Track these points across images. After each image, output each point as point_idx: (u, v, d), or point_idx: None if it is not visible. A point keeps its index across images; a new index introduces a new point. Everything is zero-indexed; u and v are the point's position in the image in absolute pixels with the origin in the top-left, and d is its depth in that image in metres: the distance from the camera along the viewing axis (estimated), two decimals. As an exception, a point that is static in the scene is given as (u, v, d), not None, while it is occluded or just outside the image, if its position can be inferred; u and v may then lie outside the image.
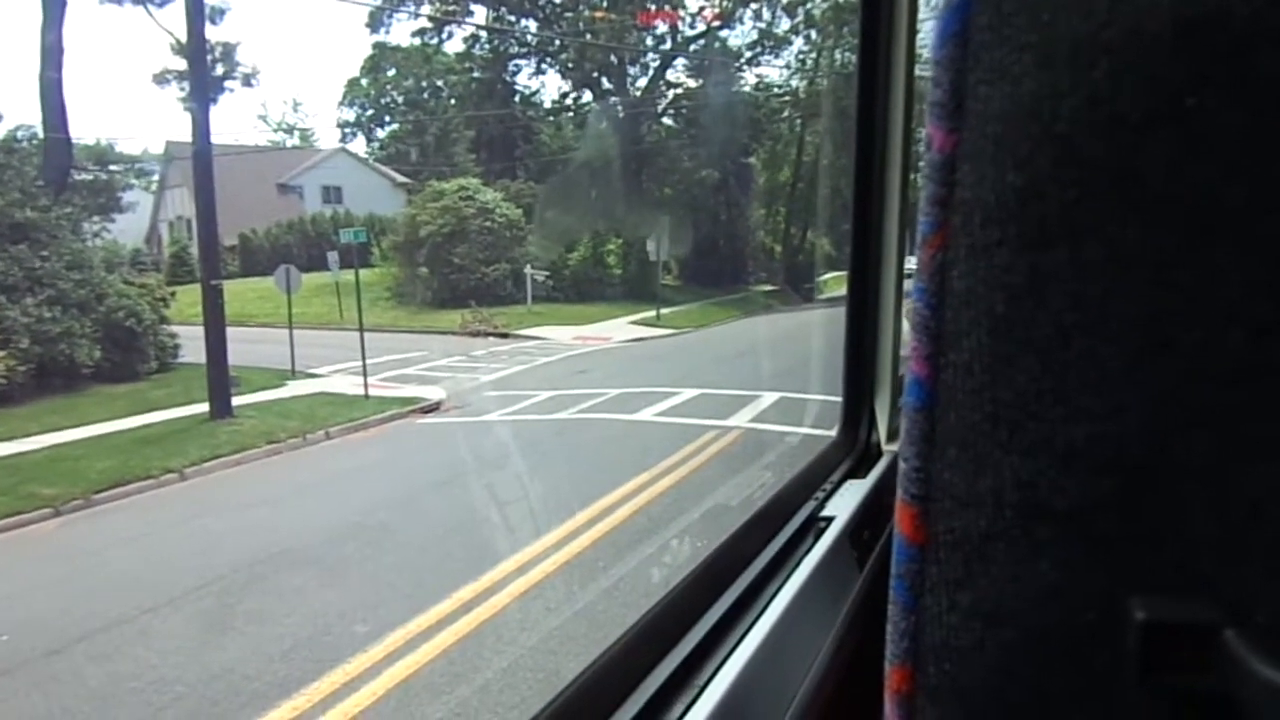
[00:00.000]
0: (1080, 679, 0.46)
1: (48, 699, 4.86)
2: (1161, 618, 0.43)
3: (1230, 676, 0.40)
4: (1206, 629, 0.41)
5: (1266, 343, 0.40)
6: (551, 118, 28.17)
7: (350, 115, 29.16)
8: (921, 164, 0.47)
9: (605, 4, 24.88)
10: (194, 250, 18.01)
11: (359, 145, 29.17)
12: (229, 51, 20.66)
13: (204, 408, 11.18)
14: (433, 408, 12.24)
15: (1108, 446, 0.43)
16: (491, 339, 17.92)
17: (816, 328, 17.07)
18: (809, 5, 25.26)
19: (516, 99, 27.48)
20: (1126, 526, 0.43)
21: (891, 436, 1.85)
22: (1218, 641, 0.41)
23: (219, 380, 11.38)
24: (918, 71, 1.75)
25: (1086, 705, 0.46)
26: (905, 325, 1.82)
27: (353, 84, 28.56)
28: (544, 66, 27.36)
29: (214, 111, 27.37)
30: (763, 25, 25.79)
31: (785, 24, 25.67)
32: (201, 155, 12.33)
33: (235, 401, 11.41)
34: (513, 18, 26.51)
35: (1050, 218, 0.43)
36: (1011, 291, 0.44)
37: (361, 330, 13.78)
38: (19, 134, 14.64)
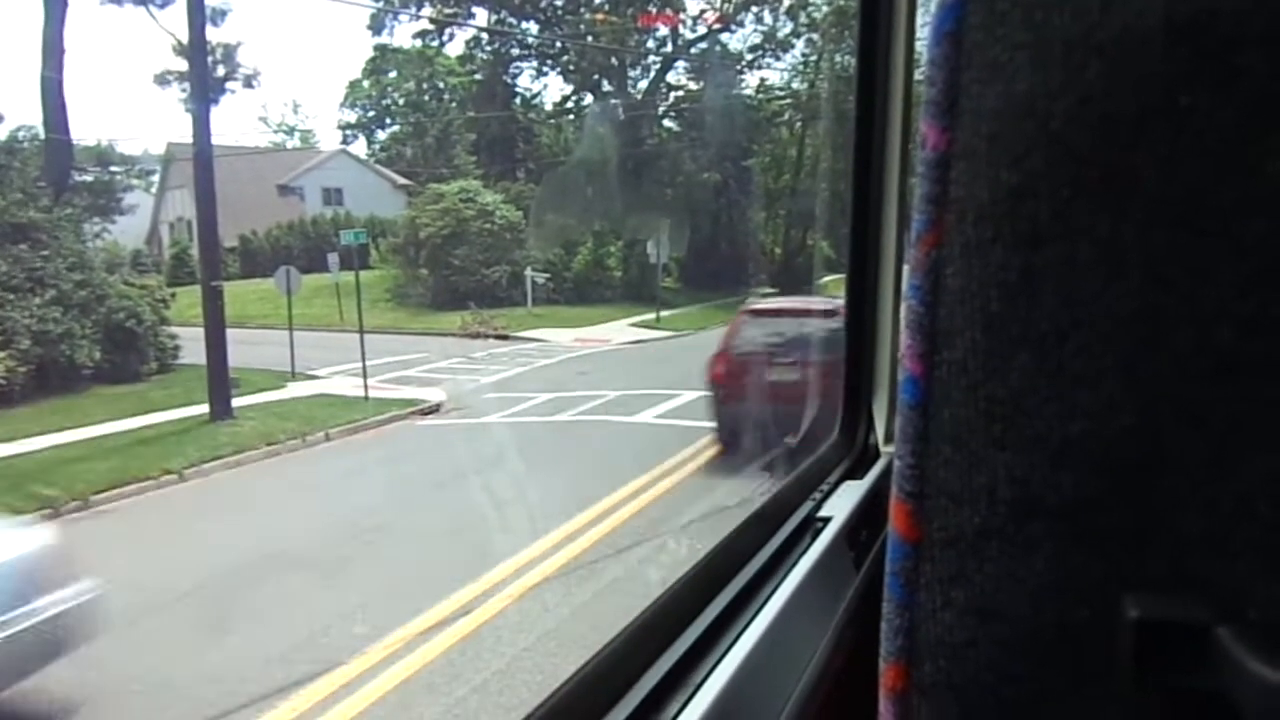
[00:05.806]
0: (1074, 676, 0.46)
1: (49, 700, 4.85)
2: (1154, 615, 0.43)
3: (1224, 674, 0.40)
4: (1199, 626, 0.41)
5: (1255, 340, 0.40)
6: (553, 120, 28.20)
7: (351, 117, 29.12)
8: (916, 162, 0.47)
9: (606, 7, 24.94)
10: (194, 251, 18.00)
11: (360, 147, 29.18)
12: (230, 53, 20.60)
13: (204, 409, 11.16)
14: (433, 409, 12.22)
15: (1100, 443, 0.43)
16: (491, 341, 17.88)
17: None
18: (810, 9, 25.30)
19: (517, 101, 27.51)
20: (1119, 523, 0.44)
21: (889, 438, 1.85)
22: (1211, 639, 0.41)
23: (219, 381, 11.37)
24: (916, 75, 1.76)
25: (1080, 702, 0.46)
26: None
27: (354, 86, 28.51)
28: (545, 69, 27.43)
29: (215, 112, 27.31)
30: (764, 29, 25.84)
31: (787, 28, 25.72)
32: (202, 156, 12.32)
33: (235, 403, 11.38)
34: (514, 20, 26.56)
35: (1043, 216, 0.43)
36: (1005, 289, 0.44)
37: (361, 332, 13.75)
38: (20, 134, 14.62)
